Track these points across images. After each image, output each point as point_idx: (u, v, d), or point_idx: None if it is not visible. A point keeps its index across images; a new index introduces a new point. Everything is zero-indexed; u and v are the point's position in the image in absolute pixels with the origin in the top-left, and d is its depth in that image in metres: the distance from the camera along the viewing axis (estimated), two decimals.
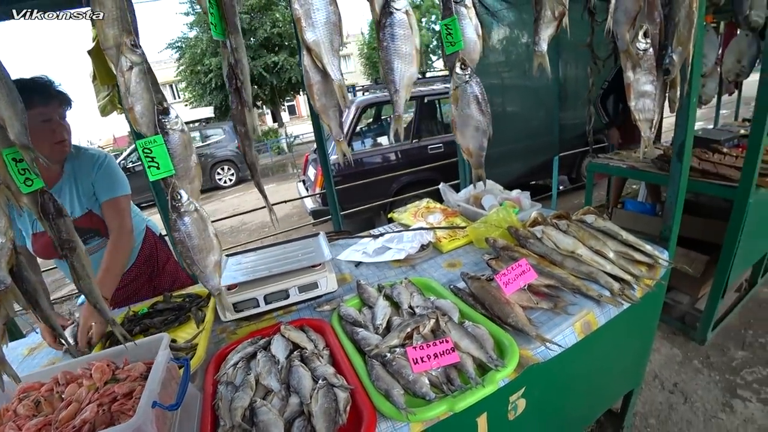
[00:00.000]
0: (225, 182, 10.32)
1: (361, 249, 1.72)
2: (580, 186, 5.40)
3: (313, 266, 1.42)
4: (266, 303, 1.36)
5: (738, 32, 2.10)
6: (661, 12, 1.03)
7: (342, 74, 0.88)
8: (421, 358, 0.95)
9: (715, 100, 5.55)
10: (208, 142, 10.28)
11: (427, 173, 4.08)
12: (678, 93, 1.10)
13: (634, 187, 3.95)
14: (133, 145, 10.22)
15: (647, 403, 2.09)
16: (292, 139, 12.04)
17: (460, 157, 2.59)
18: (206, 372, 1.06)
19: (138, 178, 9.08)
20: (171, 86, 23.00)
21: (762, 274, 2.93)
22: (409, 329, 1.07)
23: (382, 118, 5.72)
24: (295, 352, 1.08)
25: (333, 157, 4.14)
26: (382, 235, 1.81)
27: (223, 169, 10.27)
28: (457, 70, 0.96)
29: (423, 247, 1.59)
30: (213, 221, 0.95)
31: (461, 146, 1.05)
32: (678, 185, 1.31)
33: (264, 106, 14.35)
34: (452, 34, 0.93)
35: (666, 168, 2.41)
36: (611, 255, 1.25)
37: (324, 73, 0.85)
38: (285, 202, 4.17)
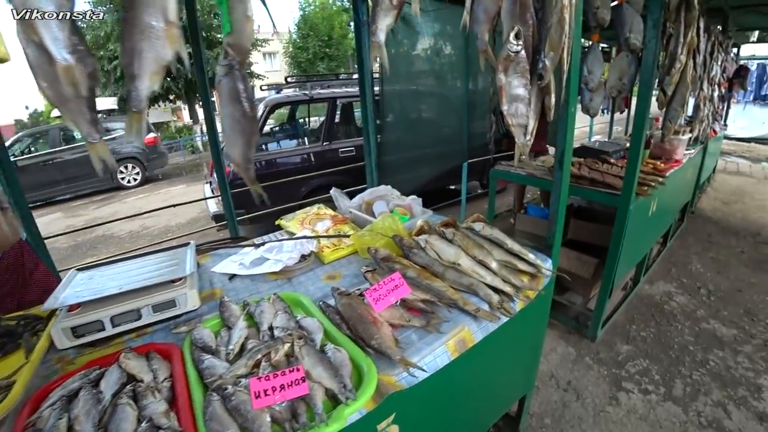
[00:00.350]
0: (129, 182, 9.24)
1: (238, 260, 1.51)
2: (499, 190, 5.64)
3: (172, 281, 1.22)
4: (113, 326, 1.13)
5: (618, 53, 2.24)
6: (533, 14, 0.98)
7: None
8: (265, 391, 0.80)
9: (609, 117, 6.15)
10: (110, 136, 9.12)
11: (337, 177, 3.93)
12: (552, 100, 1.06)
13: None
14: (15, 136, 8.78)
15: (543, 402, 2.13)
16: (207, 137, 11.12)
17: (368, 160, 2.47)
18: (18, 416, 0.82)
19: (21, 174, 7.85)
20: None
21: (644, 273, 3.22)
22: (259, 356, 0.91)
23: (297, 118, 5.47)
24: (128, 387, 0.88)
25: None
26: (264, 243, 1.61)
27: (126, 167, 9.19)
28: (221, 58, 0.81)
29: (304, 258, 1.42)
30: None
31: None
32: (559, 193, 1.30)
33: (178, 101, 13.19)
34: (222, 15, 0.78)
35: None
36: (494, 265, 1.19)
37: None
38: (174, 206, 3.72)
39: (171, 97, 12.34)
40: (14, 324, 1.23)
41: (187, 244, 1.49)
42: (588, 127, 6.69)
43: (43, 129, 8.90)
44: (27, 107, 17.03)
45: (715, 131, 4.35)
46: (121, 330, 1.15)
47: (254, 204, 3.76)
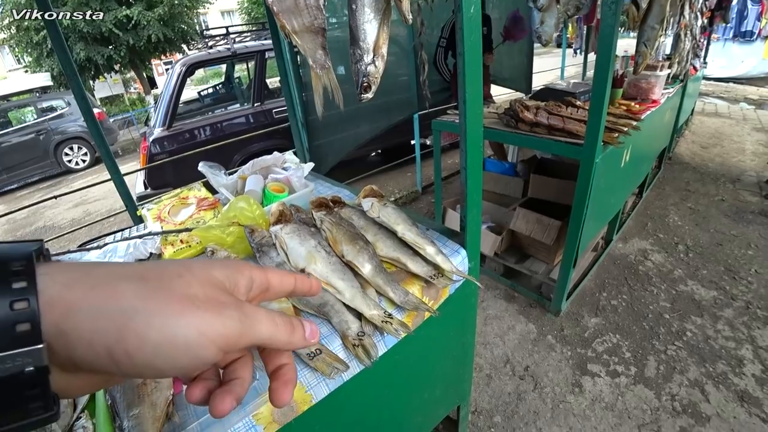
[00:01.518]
0: (77, 164, 8.51)
1: None
2: (455, 144, 5.18)
3: None
4: None
5: None
6: None
7: None
8: None
9: (581, 57, 5.61)
10: (50, 116, 8.28)
11: (275, 140, 3.43)
12: None
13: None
14: None
15: (495, 396, 1.83)
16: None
17: (293, 122, 2.01)
18: None
19: None
20: (12, 47, 18.79)
21: (616, 231, 2.89)
22: None
23: (231, 78, 4.82)
24: None
25: (157, 131, 3.28)
26: (107, 245, 1.19)
27: (72, 148, 8.42)
28: None
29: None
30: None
31: None
32: (466, 146, 0.86)
33: (123, 70, 12.02)
34: None
35: (512, 124, 2.09)
36: (366, 269, 0.78)
37: None
38: (94, 185, 3.20)
39: (116, 68, 11.22)
40: None
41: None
42: (559, 70, 6.19)
43: None
44: None
45: (695, 68, 3.92)
46: None
47: (184, 179, 3.28)
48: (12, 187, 8.06)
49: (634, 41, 2.15)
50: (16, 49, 11.34)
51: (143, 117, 10.57)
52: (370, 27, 0.63)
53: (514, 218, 2.42)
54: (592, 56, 5.03)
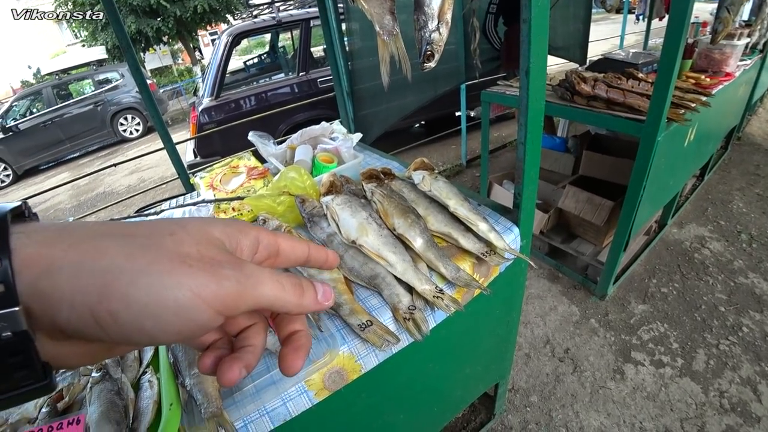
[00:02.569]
0: (131, 133, 8.99)
1: None
2: (503, 117, 4.97)
3: None
4: None
5: None
6: None
7: None
8: None
9: (645, 24, 5.13)
10: (105, 88, 8.74)
11: (319, 110, 3.45)
12: None
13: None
14: (11, 100, 8.48)
15: (533, 375, 1.82)
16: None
17: (338, 90, 2.01)
18: None
19: (24, 138, 7.71)
20: (69, 22, 19.74)
21: (672, 215, 2.71)
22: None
23: (276, 48, 4.82)
24: None
25: (206, 101, 3.38)
26: (163, 211, 1.27)
27: (126, 118, 8.88)
28: None
29: None
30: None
31: None
32: (527, 120, 0.82)
33: (171, 42, 12.36)
34: None
35: (567, 97, 1.97)
36: (417, 243, 0.78)
37: None
38: (148, 154, 3.35)
39: (164, 39, 11.56)
40: None
41: None
42: (618, 38, 5.71)
43: (36, 89, 8.59)
44: (29, 67, 16.59)
45: None
46: None
47: (231, 148, 3.39)
48: (75, 155, 8.70)
49: (706, 5, 1.93)
50: (73, 24, 11.90)
51: (191, 87, 10.93)
52: None
53: (563, 196, 2.32)
54: (655, 23, 4.59)
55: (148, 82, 9.25)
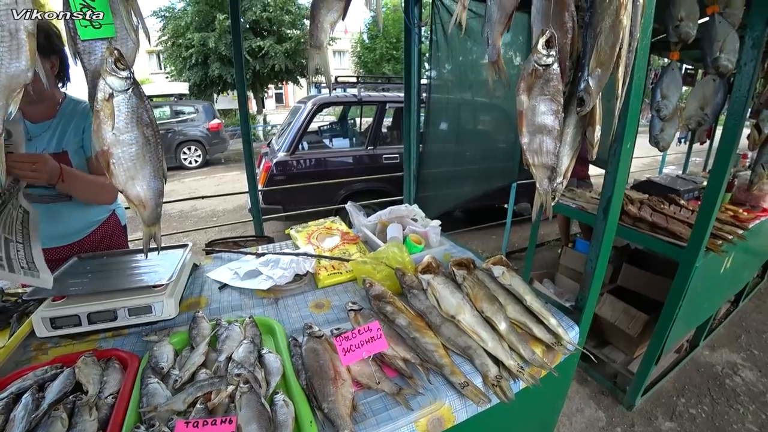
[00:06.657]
0: (190, 163, 9.80)
1: (235, 268, 1.43)
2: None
3: (153, 287, 1.18)
4: (90, 322, 1.13)
5: (704, 76, 1.90)
6: (574, 15, 0.76)
7: None
8: None
9: (686, 147, 5.44)
10: (179, 119, 9.75)
11: (379, 183, 3.81)
12: (597, 134, 0.85)
13: None
14: None
15: None
16: (269, 128, 11.54)
17: (407, 170, 2.34)
18: None
19: None
20: (158, 55, 22.27)
21: (705, 337, 2.77)
22: (199, 393, 0.82)
23: (348, 119, 5.43)
24: (70, 397, 0.83)
25: (281, 155, 3.83)
26: (265, 254, 1.53)
27: (189, 149, 9.75)
28: (113, 67, 0.69)
29: (299, 277, 1.30)
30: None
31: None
32: (600, 246, 1.06)
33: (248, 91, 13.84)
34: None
35: None
36: (502, 327, 0.99)
37: None
38: (206, 197, 3.78)
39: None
40: (13, 300, 1.28)
41: (185, 246, 1.45)
42: (660, 157, 6.04)
43: None
44: None
45: None
46: (97, 328, 1.14)
47: (293, 201, 3.75)
48: None
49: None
50: (167, 60, 13.58)
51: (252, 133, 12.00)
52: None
53: (600, 303, 2.46)
54: (696, 146, 4.88)
55: (216, 121, 10.28)
